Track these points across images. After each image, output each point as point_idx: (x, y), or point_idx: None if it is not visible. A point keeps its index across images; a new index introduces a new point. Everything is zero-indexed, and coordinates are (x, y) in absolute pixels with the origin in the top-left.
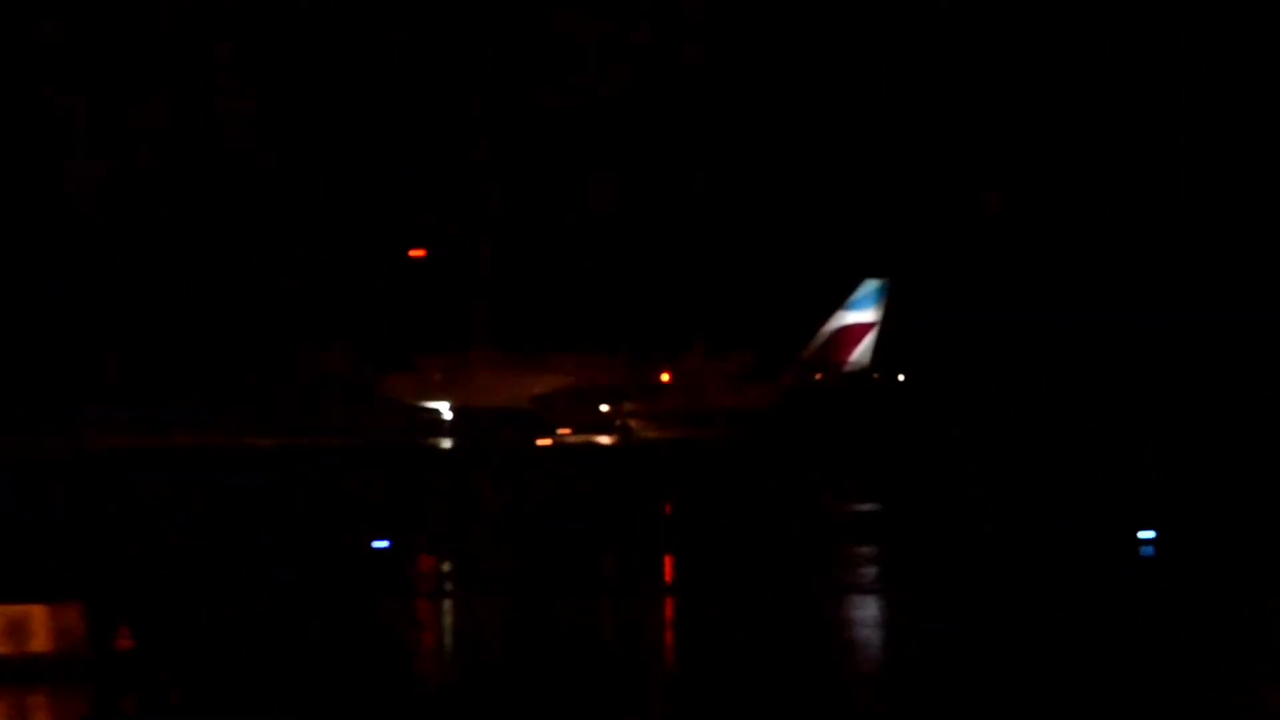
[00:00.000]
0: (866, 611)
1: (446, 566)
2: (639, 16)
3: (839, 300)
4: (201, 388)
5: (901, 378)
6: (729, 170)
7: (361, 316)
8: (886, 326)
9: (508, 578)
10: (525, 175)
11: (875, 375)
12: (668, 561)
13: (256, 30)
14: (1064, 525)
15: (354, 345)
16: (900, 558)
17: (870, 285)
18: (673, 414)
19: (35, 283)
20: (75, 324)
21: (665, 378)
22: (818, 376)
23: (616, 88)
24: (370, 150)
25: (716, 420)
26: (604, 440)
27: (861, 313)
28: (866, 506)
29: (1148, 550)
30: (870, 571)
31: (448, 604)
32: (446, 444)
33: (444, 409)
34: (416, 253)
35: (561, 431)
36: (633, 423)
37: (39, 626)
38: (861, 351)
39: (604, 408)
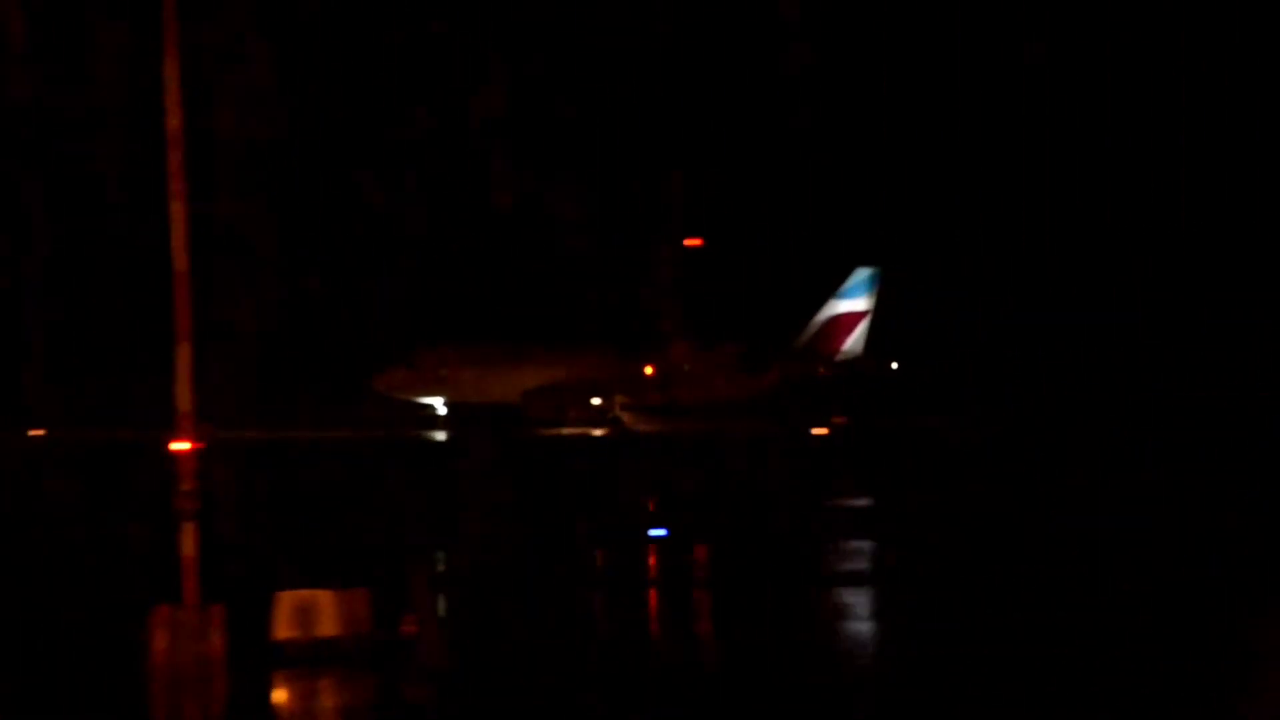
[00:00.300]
0: (851, 606)
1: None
2: (621, 6)
3: (830, 289)
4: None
5: (895, 366)
6: (718, 160)
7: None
8: (879, 314)
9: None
10: (514, 169)
11: (894, 365)
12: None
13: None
14: (1060, 521)
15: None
16: (892, 553)
17: (862, 274)
18: (665, 406)
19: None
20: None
21: (648, 371)
22: (820, 370)
23: (604, 81)
24: (362, 142)
25: (709, 412)
26: (596, 433)
27: (853, 301)
28: (859, 501)
29: (1142, 545)
30: (858, 566)
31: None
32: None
33: (438, 404)
34: (693, 241)
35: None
36: (625, 416)
37: (326, 612)
38: (854, 341)
39: (596, 401)
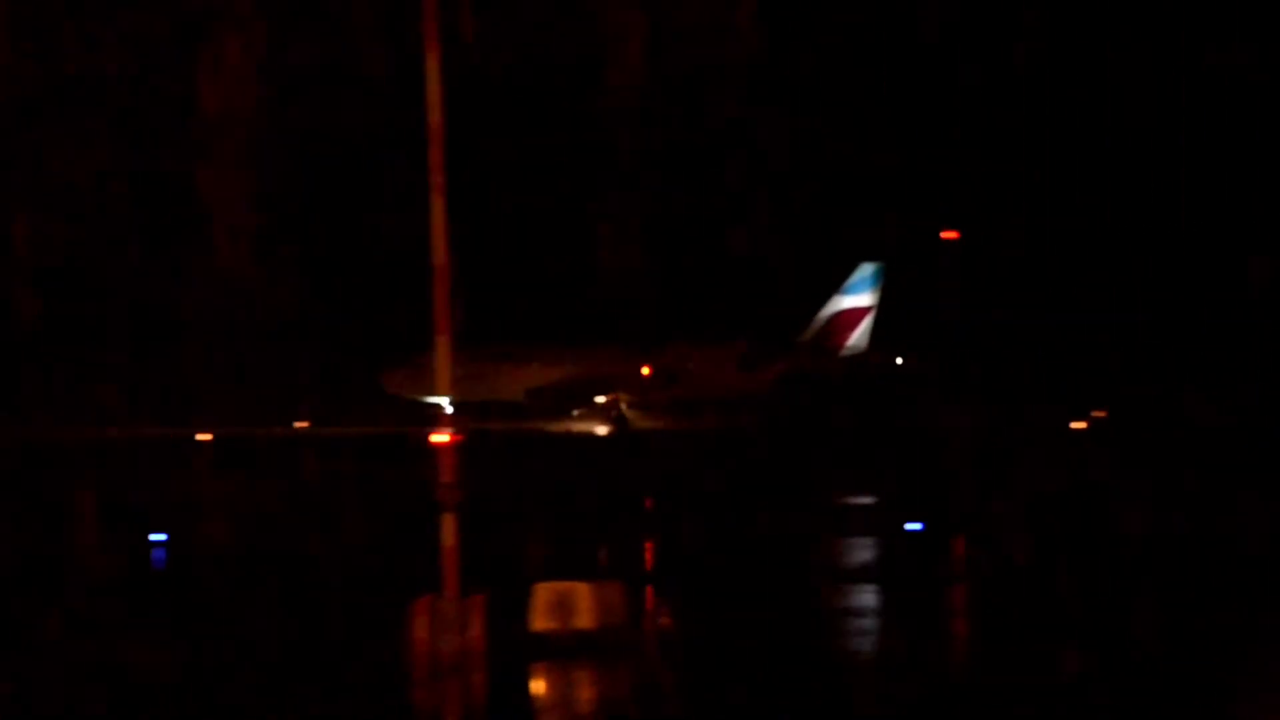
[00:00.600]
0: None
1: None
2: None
3: (834, 285)
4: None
5: (899, 361)
6: (723, 158)
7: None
8: (883, 310)
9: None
10: (516, 169)
11: (899, 360)
12: None
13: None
14: (1054, 516)
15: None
16: (892, 550)
17: (866, 269)
18: (669, 403)
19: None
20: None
21: (645, 371)
22: (823, 363)
23: (610, 80)
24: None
25: (714, 409)
26: (600, 430)
27: (858, 297)
28: (862, 499)
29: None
30: (857, 563)
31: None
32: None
33: (445, 403)
34: (950, 234)
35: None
36: (629, 412)
37: (583, 604)
38: (859, 336)
39: (600, 399)
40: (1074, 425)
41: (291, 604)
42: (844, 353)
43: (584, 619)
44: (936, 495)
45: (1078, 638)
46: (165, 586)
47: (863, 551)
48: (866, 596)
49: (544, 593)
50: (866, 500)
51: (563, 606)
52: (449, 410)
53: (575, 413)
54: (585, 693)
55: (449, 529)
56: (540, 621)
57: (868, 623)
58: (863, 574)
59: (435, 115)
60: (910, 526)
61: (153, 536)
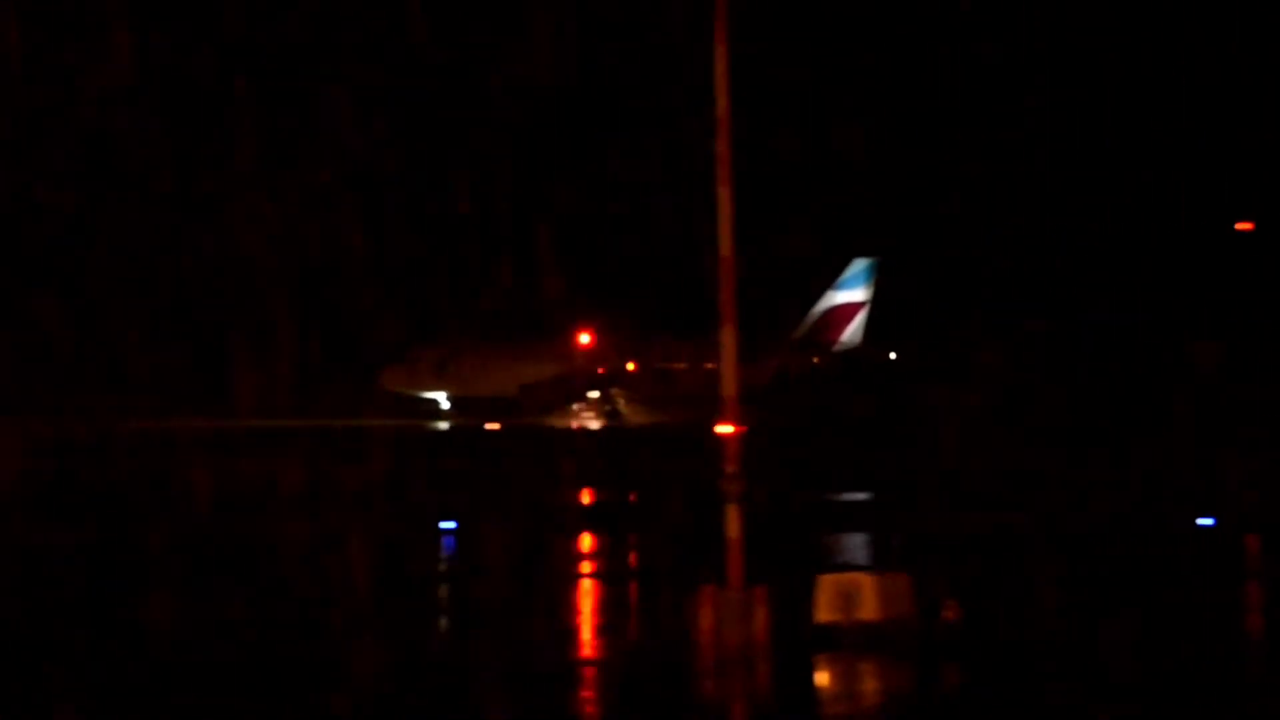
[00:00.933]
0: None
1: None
2: None
3: (828, 280)
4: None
5: (893, 356)
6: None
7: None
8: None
9: None
10: (509, 164)
11: (891, 354)
12: None
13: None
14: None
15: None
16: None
17: (860, 264)
18: (660, 398)
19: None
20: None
21: (630, 367)
22: (815, 359)
23: (599, 71)
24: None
25: (703, 403)
26: (593, 425)
27: (852, 292)
28: (854, 495)
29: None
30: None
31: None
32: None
33: (442, 399)
34: (1244, 225)
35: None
36: (622, 407)
37: (867, 596)
38: (852, 331)
39: (593, 394)
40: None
41: (583, 592)
42: (838, 348)
43: (869, 611)
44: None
45: None
46: (470, 576)
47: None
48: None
49: (829, 584)
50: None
51: (848, 598)
52: (446, 406)
53: (576, 407)
54: (870, 685)
55: (733, 520)
56: (825, 613)
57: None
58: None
59: (723, 104)
60: (1202, 522)
61: (442, 525)
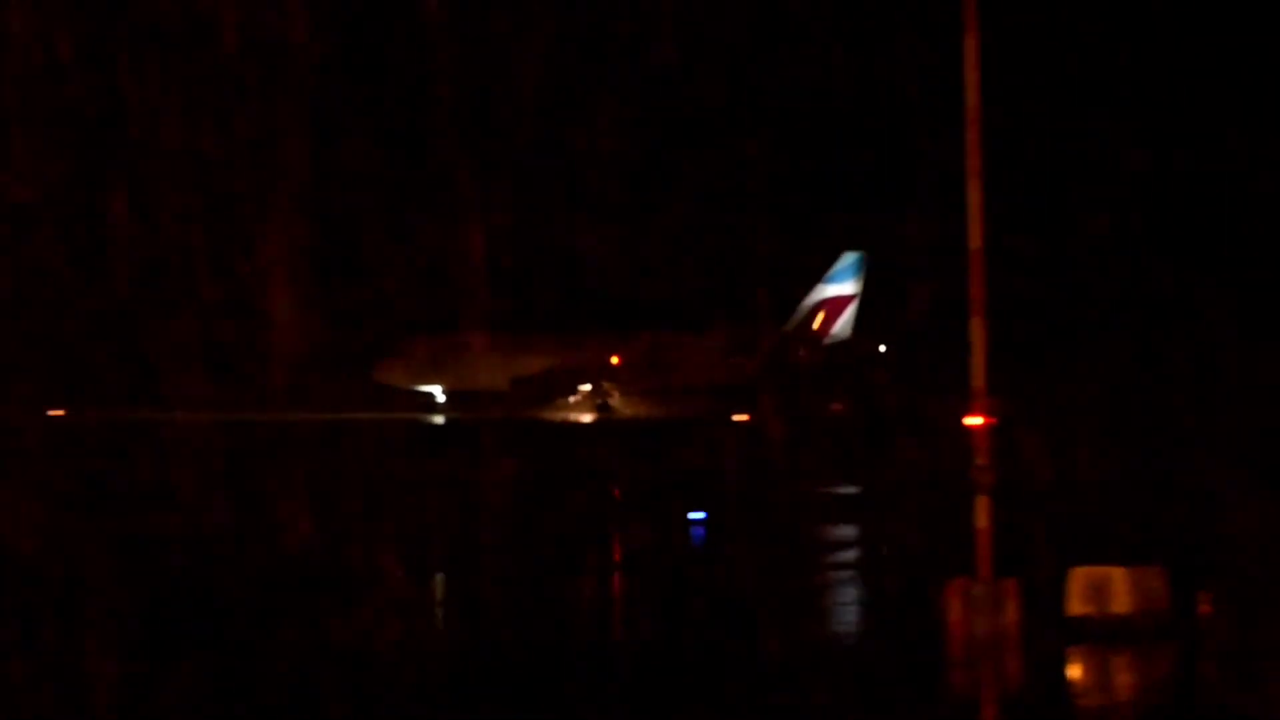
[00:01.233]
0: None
1: None
2: None
3: (817, 274)
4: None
5: (883, 348)
6: (705, 147)
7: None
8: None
9: None
10: (507, 159)
11: (881, 347)
12: None
13: None
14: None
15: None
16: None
17: (849, 258)
18: (654, 391)
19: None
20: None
21: (614, 360)
22: (801, 352)
23: (594, 69)
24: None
25: (698, 396)
26: (585, 418)
27: (841, 285)
28: (843, 488)
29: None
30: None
31: None
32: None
33: (438, 392)
34: None
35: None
36: (614, 401)
37: (1120, 588)
38: (842, 324)
39: (585, 387)
40: None
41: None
42: (827, 341)
43: (1122, 603)
44: None
45: None
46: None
47: None
48: None
49: (1081, 577)
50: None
51: (1099, 591)
52: (440, 399)
53: (572, 399)
54: (1124, 678)
55: (982, 511)
56: (1076, 605)
57: None
58: None
59: (973, 98)
60: None
61: (692, 515)
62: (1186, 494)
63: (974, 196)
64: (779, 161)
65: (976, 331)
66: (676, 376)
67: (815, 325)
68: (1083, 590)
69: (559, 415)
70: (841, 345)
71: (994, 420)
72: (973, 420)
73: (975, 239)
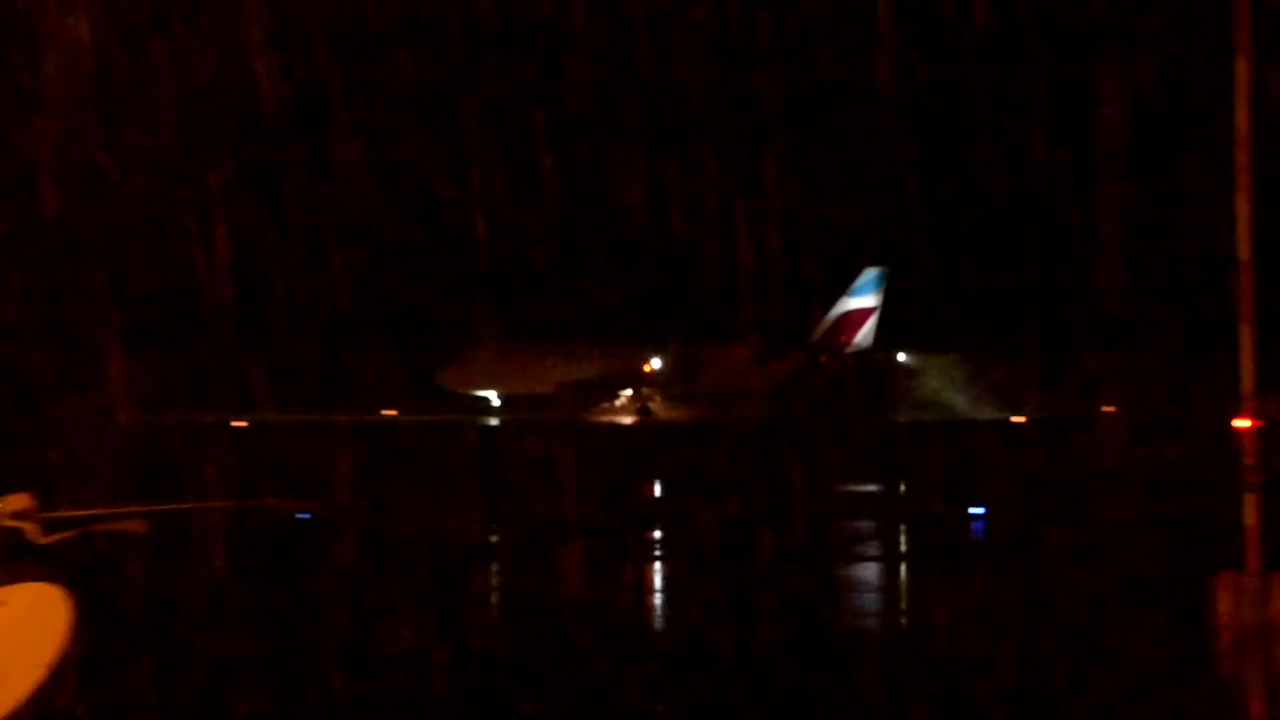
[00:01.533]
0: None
1: None
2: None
3: (840, 288)
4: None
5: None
6: (735, 162)
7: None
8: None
9: None
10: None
11: (900, 356)
12: None
13: None
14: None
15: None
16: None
17: (870, 273)
18: (691, 396)
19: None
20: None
21: (647, 369)
22: (823, 359)
23: (618, 78)
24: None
25: (733, 403)
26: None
27: (863, 298)
28: (867, 487)
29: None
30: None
31: None
32: None
33: (493, 397)
34: None
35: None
36: (654, 405)
37: None
38: (864, 335)
39: (627, 392)
40: None
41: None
42: (850, 350)
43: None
44: None
45: None
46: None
47: None
48: None
49: None
50: None
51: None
52: (497, 403)
53: (617, 403)
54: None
55: (1251, 508)
56: None
57: None
58: None
59: (1243, 117)
60: None
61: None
62: None
63: (1243, 212)
64: (810, 177)
65: (1245, 338)
66: (711, 383)
67: (840, 335)
68: None
69: (604, 418)
70: (863, 354)
71: (1262, 422)
72: (1242, 422)
73: (1244, 252)
